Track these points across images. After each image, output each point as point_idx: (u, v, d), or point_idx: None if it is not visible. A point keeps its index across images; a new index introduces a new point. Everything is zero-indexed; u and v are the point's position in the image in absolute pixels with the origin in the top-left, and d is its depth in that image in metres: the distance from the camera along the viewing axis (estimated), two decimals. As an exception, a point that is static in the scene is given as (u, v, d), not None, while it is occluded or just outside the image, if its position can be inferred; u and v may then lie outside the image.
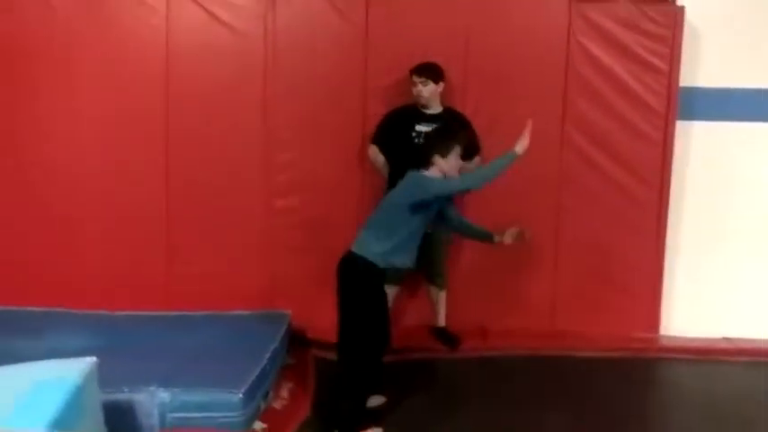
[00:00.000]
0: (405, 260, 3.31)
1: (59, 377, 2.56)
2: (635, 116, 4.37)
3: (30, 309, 4.19)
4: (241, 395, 3.06)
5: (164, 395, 3.00)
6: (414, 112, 4.13)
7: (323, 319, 4.22)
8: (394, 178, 4.17)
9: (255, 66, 4.26)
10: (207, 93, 4.28)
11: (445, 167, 3.27)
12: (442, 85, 4.12)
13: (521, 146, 3.28)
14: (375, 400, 3.45)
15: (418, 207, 3.21)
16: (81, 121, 4.30)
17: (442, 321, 4.33)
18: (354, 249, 3.28)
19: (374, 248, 3.22)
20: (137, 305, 4.22)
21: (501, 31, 4.32)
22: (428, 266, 4.24)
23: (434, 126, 4.04)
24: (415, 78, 4.09)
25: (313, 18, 4.27)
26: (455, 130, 3.55)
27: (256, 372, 3.31)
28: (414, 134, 4.07)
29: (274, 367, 3.62)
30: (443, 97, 4.18)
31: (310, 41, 4.28)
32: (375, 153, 4.24)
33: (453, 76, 4.22)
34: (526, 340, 4.27)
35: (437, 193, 3.24)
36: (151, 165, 4.33)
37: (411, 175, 3.30)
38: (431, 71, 4.09)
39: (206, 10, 4.23)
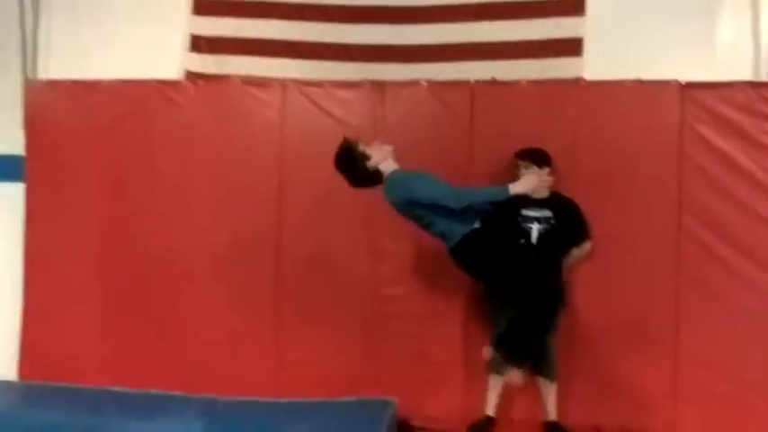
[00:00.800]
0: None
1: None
2: (758, 203, 4.13)
3: (145, 391, 4.36)
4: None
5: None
6: (521, 196, 4.05)
7: (428, 407, 4.25)
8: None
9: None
10: (317, 183, 4.40)
11: (379, 160, 3.57)
12: (546, 170, 4.07)
13: (516, 187, 3.50)
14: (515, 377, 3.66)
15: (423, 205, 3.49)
16: (195, 209, 4.54)
17: (552, 415, 4.12)
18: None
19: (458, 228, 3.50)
20: (246, 391, 4.30)
21: (610, 119, 4.26)
22: (536, 357, 4.12)
23: (543, 211, 4.02)
24: (519, 161, 4.08)
25: (420, 110, 4.37)
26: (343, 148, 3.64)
27: None
28: (520, 218, 4.03)
29: None
30: (551, 187, 4.12)
31: (417, 132, 4.36)
32: (480, 239, 4.23)
33: (562, 165, 4.17)
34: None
35: (423, 197, 3.43)
36: (261, 252, 4.48)
37: (389, 180, 3.58)
38: (534, 155, 4.06)
39: (317, 105, 4.44)
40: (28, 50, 4.82)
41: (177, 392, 4.34)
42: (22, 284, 4.75)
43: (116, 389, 4.42)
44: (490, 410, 4.15)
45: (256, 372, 4.42)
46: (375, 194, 4.29)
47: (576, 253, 4.17)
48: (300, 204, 4.45)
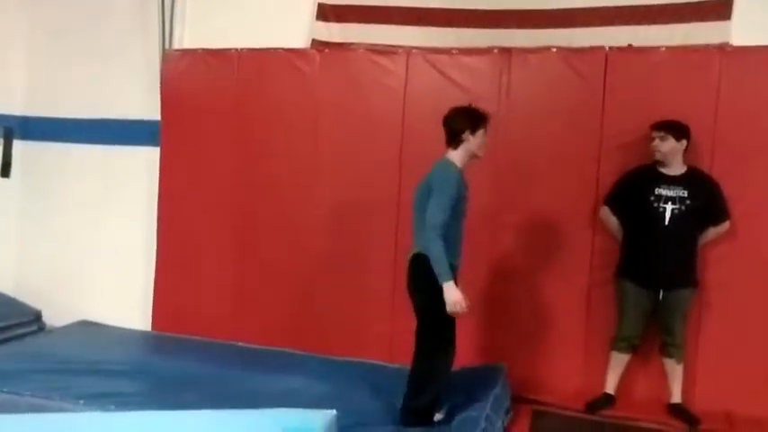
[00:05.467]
0: (451, 257, 3.33)
1: (305, 427, 2.75)
2: None
3: (269, 348, 4.59)
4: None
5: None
6: (654, 173, 3.91)
7: (545, 382, 4.21)
8: (629, 242, 3.99)
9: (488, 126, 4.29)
10: (438, 151, 4.38)
11: (473, 145, 3.42)
12: (684, 143, 3.85)
13: (448, 296, 3.26)
14: (436, 416, 3.51)
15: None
16: (320, 173, 4.64)
17: (677, 398, 3.98)
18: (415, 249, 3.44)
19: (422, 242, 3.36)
20: (362, 354, 4.43)
21: (757, 90, 3.94)
22: (663, 335, 3.97)
23: (677, 190, 3.83)
24: (654, 133, 3.88)
25: (549, 78, 4.22)
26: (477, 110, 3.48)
27: (482, 421, 3.36)
28: (653, 198, 3.85)
29: (499, 415, 3.62)
30: (689, 161, 3.92)
31: (545, 101, 4.24)
32: (607, 215, 4.09)
33: (700, 139, 3.94)
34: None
35: (431, 203, 3.30)
36: (383, 217, 4.51)
37: (443, 169, 3.40)
38: (671, 126, 3.84)
39: (442, 72, 4.38)
40: (166, 23, 5.05)
41: (299, 351, 4.53)
42: (156, 241, 5.05)
43: (242, 344, 4.67)
44: (610, 388, 4.06)
45: (373, 336, 4.51)
46: (498, 167, 4.29)
47: (713, 232, 3.95)
48: (421, 172, 4.41)
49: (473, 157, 3.48)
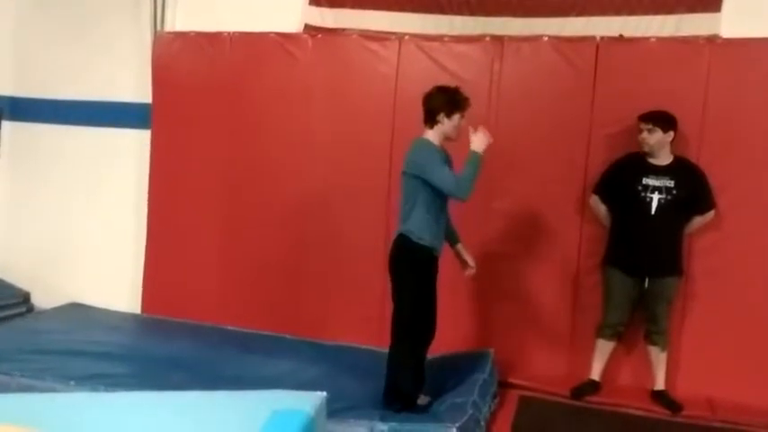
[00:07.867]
0: (433, 241, 3.39)
1: (294, 408, 2.76)
2: None
3: (258, 331, 4.61)
4: (455, 429, 3.15)
5: (382, 428, 3.20)
6: (641, 162, 3.94)
7: (531, 368, 4.25)
8: (616, 231, 4.04)
9: (478, 115, 4.26)
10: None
11: (448, 128, 3.39)
12: (671, 134, 3.89)
13: (477, 144, 3.30)
14: (421, 400, 3.51)
15: (423, 183, 3.35)
16: (311, 158, 4.65)
17: (660, 384, 4.04)
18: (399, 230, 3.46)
19: (407, 225, 3.39)
20: (351, 338, 4.45)
21: (746, 81, 3.98)
22: (648, 323, 4.03)
23: (664, 180, 3.88)
24: (642, 125, 3.90)
25: (540, 67, 4.23)
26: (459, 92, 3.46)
27: (469, 407, 3.38)
28: (640, 187, 3.89)
29: (485, 401, 3.65)
30: (676, 151, 3.96)
31: (535, 90, 4.26)
32: (596, 203, 4.14)
33: (688, 130, 3.97)
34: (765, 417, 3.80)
35: (433, 180, 3.29)
36: (373, 203, 4.52)
37: (418, 149, 3.39)
38: (659, 118, 3.88)
39: (434, 59, 4.38)
40: (158, 4, 5.01)
41: (289, 335, 4.56)
42: (146, 224, 5.05)
43: (232, 328, 4.69)
44: (595, 375, 4.11)
45: (363, 320, 4.51)
46: (488, 154, 4.23)
47: (699, 221, 4.00)
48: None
49: (447, 139, 3.47)
